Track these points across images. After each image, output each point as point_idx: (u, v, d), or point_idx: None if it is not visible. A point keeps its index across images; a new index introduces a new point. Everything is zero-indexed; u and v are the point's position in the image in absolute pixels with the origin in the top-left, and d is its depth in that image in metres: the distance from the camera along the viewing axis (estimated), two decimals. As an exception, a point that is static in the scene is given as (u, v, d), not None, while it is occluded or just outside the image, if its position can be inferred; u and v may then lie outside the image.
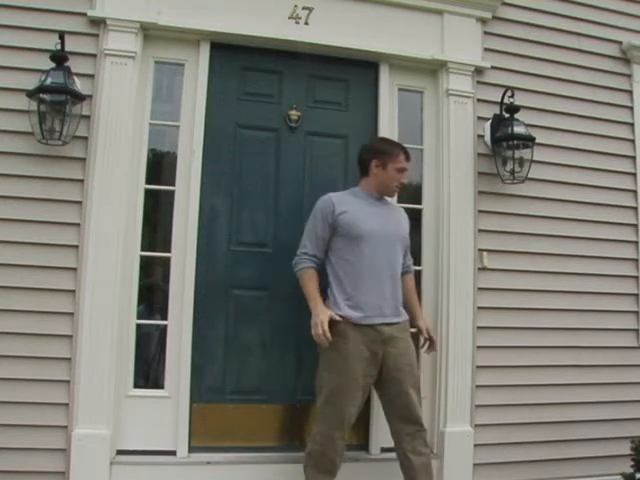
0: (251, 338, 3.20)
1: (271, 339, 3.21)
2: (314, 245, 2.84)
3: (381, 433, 3.18)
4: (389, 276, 2.84)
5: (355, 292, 2.76)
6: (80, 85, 2.93)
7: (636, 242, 3.72)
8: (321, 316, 2.68)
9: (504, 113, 3.42)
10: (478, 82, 3.48)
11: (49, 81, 2.81)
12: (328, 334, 2.65)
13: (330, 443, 2.73)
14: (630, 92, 3.82)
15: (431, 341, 3.01)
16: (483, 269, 3.38)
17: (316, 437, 2.78)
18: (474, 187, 3.41)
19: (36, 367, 2.83)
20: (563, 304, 3.52)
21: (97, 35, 3.02)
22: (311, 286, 2.79)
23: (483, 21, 3.52)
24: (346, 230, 2.80)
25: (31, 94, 2.82)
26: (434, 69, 3.47)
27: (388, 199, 3.03)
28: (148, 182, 3.13)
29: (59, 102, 2.83)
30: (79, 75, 2.95)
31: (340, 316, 2.73)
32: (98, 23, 3.02)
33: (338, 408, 2.72)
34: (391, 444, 2.93)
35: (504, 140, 3.36)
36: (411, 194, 3.46)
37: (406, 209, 3.21)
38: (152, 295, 3.23)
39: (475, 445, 3.24)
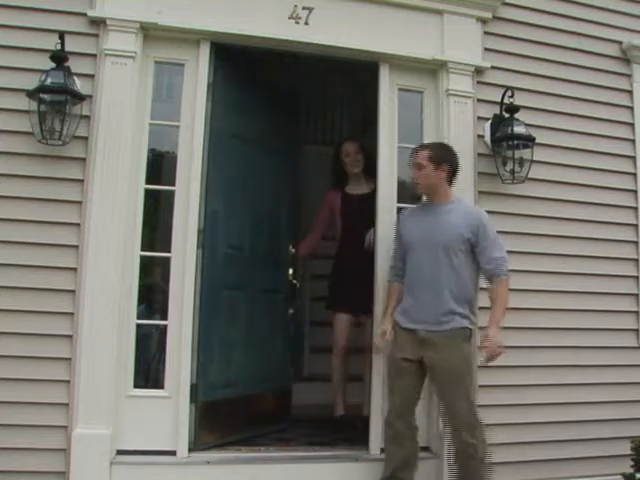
0: (249, 337, 3.25)
1: (269, 337, 3.27)
2: (395, 256, 3.06)
3: (381, 433, 3.17)
4: (430, 284, 2.84)
5: (404, 298, 2.95)
6: (80, 85, 2.93)
7: (636, 242, 3.72)
8: (382, 327, 3.03)
9: (504, 113, 3.41)
10: (478, 82, 3.48)
11: (49, 81, 2.81)
12: (380, 345, 3.05)
13: (389, 425, 2.94)
14: (630, 92, 3.82)
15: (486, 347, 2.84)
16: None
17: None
18: (474, 187, 3.40)
19: (36, 367, 2.83)
20: (563, 304, 3.52)
21: (97, 35, 3.02)
22: (387, 298, 3.09)
23: (483, 21, 3.51)
24: (400, 240, 3.00)
25: (31, 94, 2.82)
26: (434, 69, 3.47)
27: (456, 201, 2.95)
28: (148, 182, 3.13)
29: (59, 102, 2.82)
30: (79, 75, 2.94)
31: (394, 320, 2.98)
32: (98, 23, 3.02)
33: (389, 395, 2.97)
34: (391, 444, 2.93)
35: (504, 140, 3.36)
36: (411, 194, 3.45)
37: (406, 209, 3.20)
38: (152, 295, 3.23)
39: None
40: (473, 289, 2.90)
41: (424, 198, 3.06)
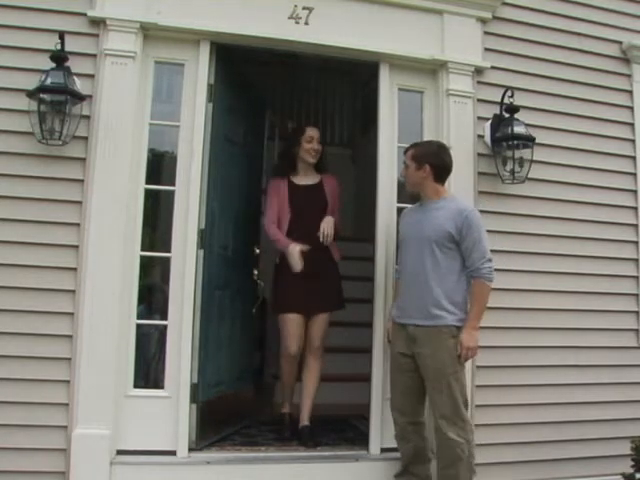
0: (231, 336, 3.26)
1: (243, 336, 3.35)
2: (398, 254, 3.11)
3: (381, 433, 3.18)
4: (417, 279, 2.87)
5: (397, 294, 3.06)
6: (80, 85, 2.93)
7: (636, 242, 3.72)
8: (387, 324, 3.15)
9: (504, 113, 3.41)
10: (478, 82, 3.48)
11: (49, 81, 2.81)
12: (386, 338, 3.14)
13: (394, 422, 2.98)
14: (630, 92, 3.82)
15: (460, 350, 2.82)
16: (483, 269, 3.37)
17: None
18: (474, 187, 3.40)
19: (36, 367, 2.83)
20: (563, 304, 3.52)
21: (97, 35, 3.02)
22: (394, 295, 3.16)
23: (483, 21, 3.51)
24: (398, 238, 3.12)
25: (31, 94, 2.83)
26: (434, 69, 3.46)
27: (449, 198, 2.95)
28: (148, 182, 3.13)
29: (59, 102, 2.83)
30: (79, 75, 2.95)
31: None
32: (98, 23, 3.02)
33: (391, 391, 3.02)
34: (391, 444, 2.93)
35: (504, 140, 3.36)
36: (409, 194, 3.45)
37: (407, 208, 3.19)
38: (152, 295, 3.23)
39: (475, 445, 3.24)
40: (460, 286, 2.84)
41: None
